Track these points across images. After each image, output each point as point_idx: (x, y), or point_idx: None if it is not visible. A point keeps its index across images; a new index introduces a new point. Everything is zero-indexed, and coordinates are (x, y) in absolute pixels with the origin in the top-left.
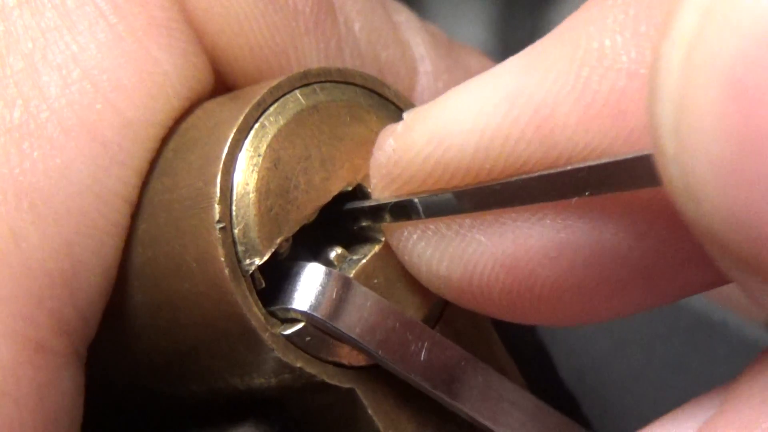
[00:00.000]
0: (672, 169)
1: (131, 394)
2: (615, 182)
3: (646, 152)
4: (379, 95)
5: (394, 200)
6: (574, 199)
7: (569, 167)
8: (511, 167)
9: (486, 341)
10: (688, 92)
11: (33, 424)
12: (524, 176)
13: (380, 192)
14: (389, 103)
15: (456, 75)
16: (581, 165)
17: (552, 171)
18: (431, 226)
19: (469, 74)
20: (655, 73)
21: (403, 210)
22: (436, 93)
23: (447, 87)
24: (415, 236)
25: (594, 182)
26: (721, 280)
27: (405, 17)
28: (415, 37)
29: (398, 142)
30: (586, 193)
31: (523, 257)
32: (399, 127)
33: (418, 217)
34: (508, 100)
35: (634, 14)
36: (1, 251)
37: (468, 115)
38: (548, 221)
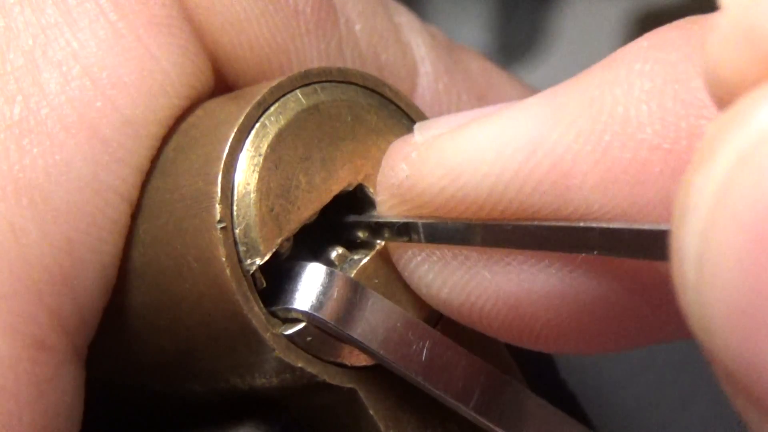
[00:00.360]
0: (689, 296)
1: (132, 394)
2: (624, 248)
3: (662, 227)
4: (380, 95)
5: (398, 220)
6: (582, 256)
7: (582, 224)
8: (524, 213)
9: (487, 341)
10: (714, 232)
11: (32, 420)
12: (536, 223)
13: (387, 209)
14: (390, 103)
15: (456, 76)
16: (594, 225)
17: (564, 224)
18: (437, 252)
19: (469, 75)
20: (685, 198)
21: (404, 231)
22: (436, 94)
23: (447, 88)
24: (418, 258)
25: (604, 244)
26: None
27: (406, 19)
28: (416, 39)
29: (412, 169)
30: (594, 252)
31: (526, 299)
32: (413, 153)
33: (419, 240)
34: (528, 148)
35: (661, 85)
36: (1, 248)
37: (487, 155)
38: (553, 270)
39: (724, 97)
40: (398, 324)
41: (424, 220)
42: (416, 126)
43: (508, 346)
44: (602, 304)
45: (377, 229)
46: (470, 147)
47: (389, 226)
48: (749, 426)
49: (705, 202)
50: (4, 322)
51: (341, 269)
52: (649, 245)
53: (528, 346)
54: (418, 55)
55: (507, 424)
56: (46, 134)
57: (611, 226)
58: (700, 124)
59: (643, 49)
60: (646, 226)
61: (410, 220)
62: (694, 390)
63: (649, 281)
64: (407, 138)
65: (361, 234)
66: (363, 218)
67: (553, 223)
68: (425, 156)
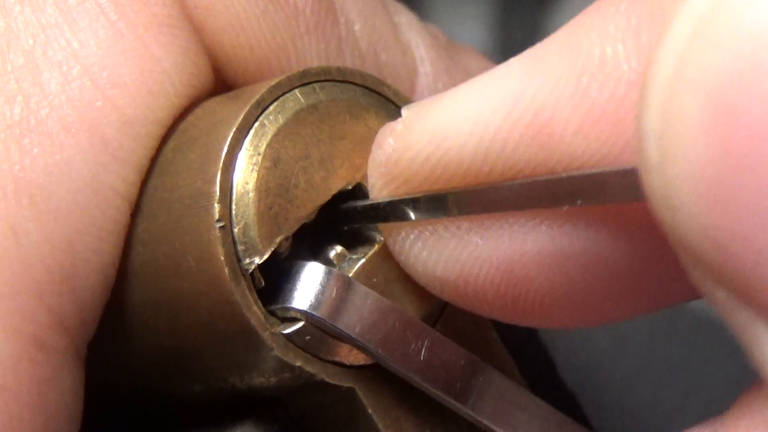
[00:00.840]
0: (653, 178)
1: (131, 394)
2: (604, 193)
3: (634, 166)
4: (379, 94)
5: (388, 200)
6: (566, 207)
7: (563, 175)
8: (510, 171)
9: (486, 340)
10: (674, 104)
11: (33, 420)
12: (518, 181)
13: (378, 191)
14: (389, 102)
15: (456, 76)
16: (575, 174)
17: (546, 178)
18: (429, 227)
19: (469, 75)
20: (646, 80)
21: (397, 210)
22: (436, 94)
23: (447, 88)
24: (412, 237)
25: (585, 192)
26: None
27: (406, 18)
28: (416, 39)
29: (398, 141)
30: (578, 202)
31: (518, 262)
32: (399, 125)
33: (411, 218)
34: (508, 102)
35: (636, 23)
36: (2, 247)
37: (468, 116)
38: (544, 228)
39: None
40: (397, 323)
41: (412, 197)
42: (404, 107)
43: (508, 346)
44: (593, 260)
45: (371, 212)
46: (453, 109)
47: (379, 207)
48: (717, 308)
49: (664, 75)
50: (5, 322)
51: (340, 268)
52: (626, 186)
53: (524, 319)
54: (418, 55)
55: (505, 423)
56: (46, 134)
57: (589, 172)
58: None
59: None
60: (621, 167)
61: (398, 198)
62: (693, 390)
63: (638, 233)
64: (390, 124)
65: (358, 224)
66: (353, 204)
67: (535, 179)
68: (410, 126)
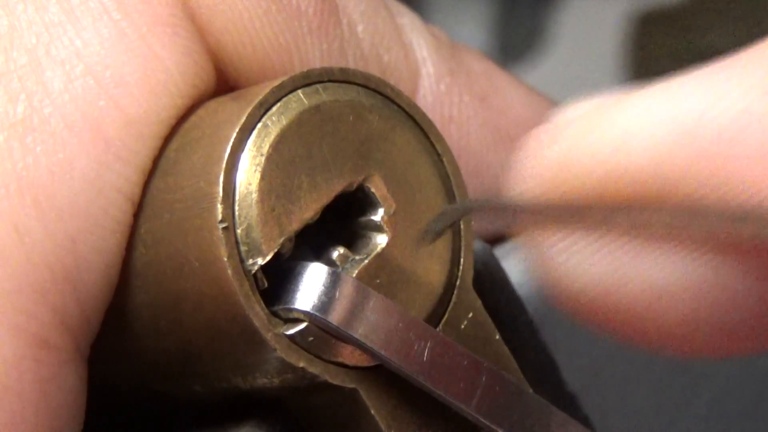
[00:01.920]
0: None
1: (133, 395)
2: None
3: None
4: (382, 95)
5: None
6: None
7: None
8: (681, 190)
9: (489, 341)
10: None
11: (35, 420)
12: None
13: (536, 193)
14: (392, 103)
15: (458, 78)
16: None
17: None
18: (584, 239)
19: (471, 77)
20: None
21: (544, 215)
22: (439, 95)
23: (449, 89)
24: (562, 244)
25: None
26: None
27: (408, 20)
28: (418, 40)
29: (572, 143)
30: None
31: (673, 287)
32: (570, 129)
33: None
34: (692, 116)
35: None
36: (5, 246)
37: (649, 123)
38: (712, 259)
39: None
40: (400, 324)
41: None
42: (553, 113)
43: (510, 347)
44: (746, 302)
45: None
46: (635, 114)
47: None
48: None
49: None
50: (8, 321)
51: (343, 269)
52: None
53: (654, 344)
54: (420, 57)
55: (508, 424)
56: (49, 133)
57: None
58: None
59: None
60: None
61: (551, 204)
62: (694, 390)
63: None
64: (546, 127)
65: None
66: (501, 202)
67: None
68: (586, 128)
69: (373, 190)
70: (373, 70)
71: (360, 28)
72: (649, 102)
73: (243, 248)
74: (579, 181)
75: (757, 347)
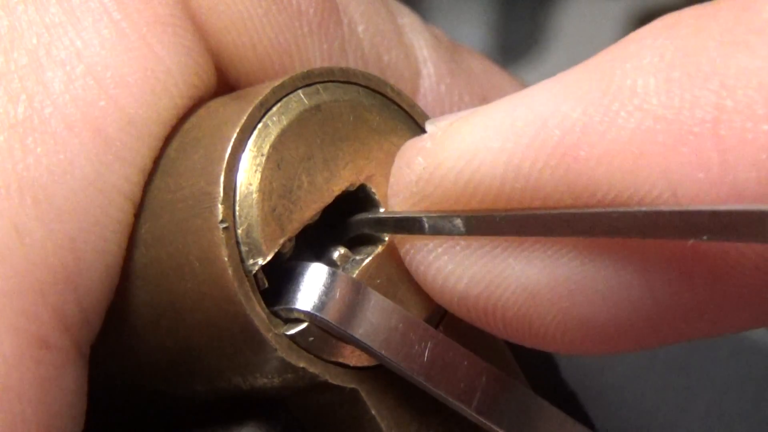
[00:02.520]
0: None
1: (134, 395)
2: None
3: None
4: (382, 95)
5: (399, 215)
6: (606, 240)
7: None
8: (539, 193)
9: (489, 341)
10: None
11: (36, 420)
12: (574, 211)
13: (408, 208)
14: (392, 103)
15: (459, 78)
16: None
17: (655, 209)
18: (461, 242)
19: (471, 77)
20: None
21: (411, 225)
22: (439, 96)
23: (449, 90)
24: (439, 250)
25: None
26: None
27: (409, 20)
28: (419, 40)
29: (428, 159)
30: (704, 238)
31: (545, 286)
32: (427, 143)
33: (422, 233)
34: (537, 122)
35: (669, 59)
36: (5, 246)
37: (498, 133)
38: (575, 257)
39: None
40: (400, 324)
41: (426, 215)
42: (427, 122)
43: (510, 346)
44: (619, 297)
45: (383, 225)
46: (484, 126)
47: (395, 221)
48: None
49: None
50: (8, 321)
51: (343, 269)
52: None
53: (538, 344)
54: (421, 57)
55: (508, 424)
56: (49, 133)
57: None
58: (705, 96)
59: (655, 27)
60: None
61: (412, 215)
62: (694, 390)
63: (667, 274)
64: (419, 136)
65: (365, 231)
66: (369, 215)
67: (563, 211)
68: (441, 143)
69: (373, 190)
70: (374, 70)
71: (360, 29)
72: (498, 112)
73: (243, 248)
74: (441, 191)
75: (635, 344)
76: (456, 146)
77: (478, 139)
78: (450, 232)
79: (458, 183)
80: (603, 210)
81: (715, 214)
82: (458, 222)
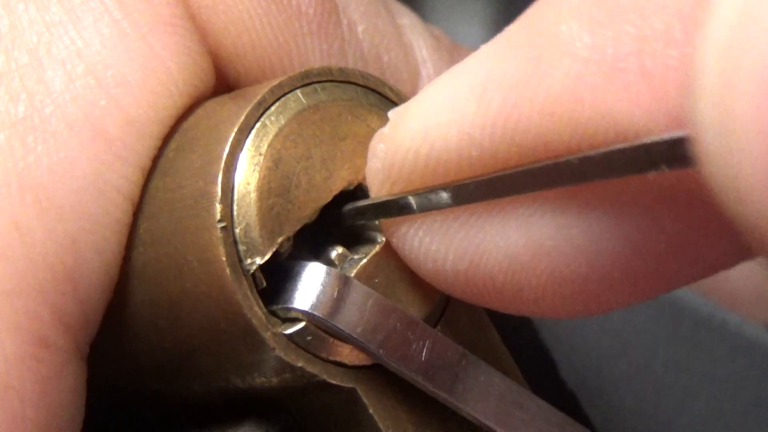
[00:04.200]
0: (716, 169)
1: (132, 394)
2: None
3: (678, 135)
4: (381, 95)
5: (389, 197)
6: (573, 189)
7: (575, 157)
8: (497, 155)
9: (487, 340)
10: (727, 94)
11: (36, 419)
12: (524, 167)
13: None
14: (390, 103)
15: None
16: (592, 153)
17: (555, 161)
18: (438, 219)
19: None
20: (694, 70)
21: (399, 205)
22: None
23: None
24: (420, 232)
25: (599, 170)
26: (715, 269)
27: (408, 20)
28: (418, 40)
29: (387, 143)
30: (591, 179)
31: (525, 248)
32: (386, 129)
33: (413, 212)
34: (479, 88)
35: (589, 0)
36: (5, 245)
37: (445, 105)
38: (549, 215)
39: None
40: (398, 324)
41: (412, 194)
42: (390, 110)
43: (509, 346)
44: (600, 251)
45: (371, 211)
46: (431, 101)
47: (384, 205)
48: None
49: (713, 66)
50: (9, 320)
51: (341, 269)
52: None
53: (528, 309)
54: (420, 57)
55: (507, 424)
56: (50, 132)
57: (605, 150)
58: (626, 30)
59: None
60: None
61: (397, 196)
62: (694, 390)
63: (641, 219)
64: (382, 128)
65: (360, 221)
66: (361, 202)
67: (542, 163)
68: (395, 126)
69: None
70: (373, 70)
71: (360, 29)
72: (442, 86)
73: (241, 248)
74: (404, 173)
75: (624, 299)
76: (409, 127)
77: (428, 116)
78: (438, 206)
79: (417, 162)
80: (559, 160)
81: (655, 144)
82: (444, 195)
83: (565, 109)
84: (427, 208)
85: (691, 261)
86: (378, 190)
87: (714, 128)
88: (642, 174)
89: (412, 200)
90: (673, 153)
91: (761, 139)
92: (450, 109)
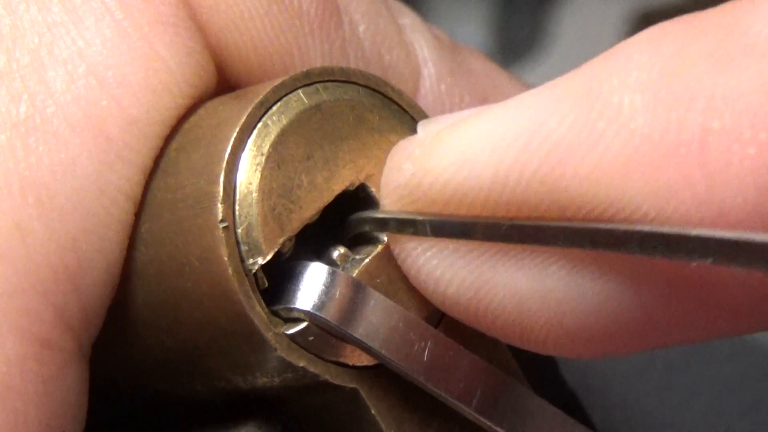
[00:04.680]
0: None
1: (134, 394)
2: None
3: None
4: (382, 95)
5: (404, 216)
6: (594, 253)
7: (588, 225)
8: (527, 204)
9: (489, 341)
10: None
11: (38, 419)
12: (566, 223)
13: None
14: (392, 103)
15: (459, 78)
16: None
17: (568, 224)
18: (450, 246)
19: (472, 77)
20: None
21: (409, 225)
22: (439, 95)
23: (449, 90)
24: (429, 253)
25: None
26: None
27: (409, 20)
28: (419, 40)
29: (416, 165)
30: (709, 261)
31: (533, 295)
32: (416, 150)
33: (425, 234)
34: (526, 135)
35: (656, 77)
36: (7, 246)
37: (487, 142)
38: (565, 266)
39: None
40: (400, 324)
41: (427, 217)
42: (419, 124)
43: (511, 347)
44: (606, 307)
45: (383, 224)
46: (472, 137)
47: (395, 221)
48: None
49: None
50: (11, 321)
51: (343, 269)
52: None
53: (529, 347)
54: (422, 57)
55: (508, 424)
56: (51, 133)
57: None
58: (690, 116)
59: (642, 41)
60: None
61: (416, 216)
62: (695, 390)
63: (652, 284)
64: (410, 138)
65: (366, 229)
66: (369, 213)
67: (584, 225)
68: (428, 151)
69: (373, 189)
70: (375, 70)
71: (361, 29)
72: (486, 123)
73: (243, 248)
74: (428, 197)
75: (627, 349)
76: (443, 155)
77: (466, 149)
78: (454, 236)
79: (445, 191)
80: (598, 226)
81: (703, 240)
82: (464, 226)
83: (613, 179)
84: (441, 234)
85: (702, 328)
86: (393, 204)
87: None
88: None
89: (428, 224)
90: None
91: None
92: (491, 150)
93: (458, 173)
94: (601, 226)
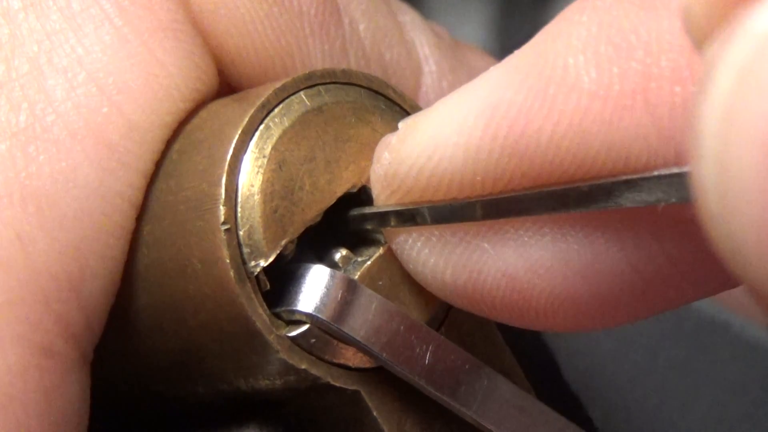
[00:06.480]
0: (717, 228)
1: (136, 396)
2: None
3: (677, 170)
4: (384, 96)
5: (398, 208)
6: (574, 214)
7: (581, 184)
8: (501, 180)
9: (490, 344)
10: (728, 157)
11: (40, 428)
12: (533, 191)
13: (383, 201)
14: (394, 105)
15: (460, 75)
16: (599, 182)
17: (559, 188)
18: (436, 233)
19: (473, 74)
20: (694, 130)
21: (408, 216)
22: (441, 93)
23: (451, 87)
24: (419, 243)
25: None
26: (719, 288)
27: (410, 18)
28: (420, 38)
29: (392, 154)
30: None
31: (523, 268)
32: (393, 139)
33: (425, 222)
34: (486, 113)
35: (596, 33)
36: (8, 255)
37: (452, 127)
38: (548, 236)
39: (704, 29)
40: (401, 327)
41: (425, 205)
42: (402, 120)
43: (512, 349)
44: (595, 266)
45: (381, 218)
46: (440, 121)
47: (392, 214)
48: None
49: (714, 127)
50: (12, 330)
51: (345, 271)
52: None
53: (530, 324)
54: (422, 54)
55: (509, 428)
56: (52, 141)
57: (610, 180)
58: (631, 66)
59: (582, 1)
60: (658, 172)
61: (410, 207)
62: (697, 392)
63: (642, 240)
64: (386, 137)
65: (368, 226)
66: (363, 210)
67: (550, 188)
68: (402, 139)
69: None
70: (375, 68)
71: (362, 27)
72: (451, 106)
73: (245, 250)
74: (406, 185)
75: (626, 316)
76: (416, 142)
77: (435, 134)
78: (439, 221)
79: (420, 177)
80: (564, 186)
81: (663, 178)
82: (444, 210)
83: (572, 142)
84: (430, 221)
85: (694, 281)
86: (378, 195)
87: (715, 192)
88: (645, 206)
89: (420, 213)
90: (677, 187)
91: (760, 204)
92: (458, 130)
93: (430, 159)
94: (568, 186)
